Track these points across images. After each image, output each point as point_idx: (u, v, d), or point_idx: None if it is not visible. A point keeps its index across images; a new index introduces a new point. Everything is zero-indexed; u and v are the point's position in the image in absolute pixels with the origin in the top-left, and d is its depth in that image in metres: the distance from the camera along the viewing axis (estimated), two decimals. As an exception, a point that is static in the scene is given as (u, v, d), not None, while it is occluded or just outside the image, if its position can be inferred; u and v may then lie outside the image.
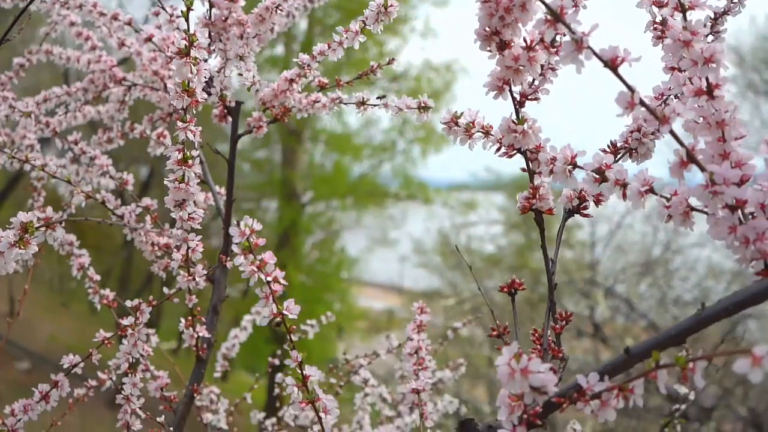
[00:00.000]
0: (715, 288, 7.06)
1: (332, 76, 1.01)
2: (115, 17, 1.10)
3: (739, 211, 0.53)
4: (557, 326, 0.65)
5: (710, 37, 0.73)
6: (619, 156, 0.69)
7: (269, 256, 0.63)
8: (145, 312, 0.90)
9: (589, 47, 0.50)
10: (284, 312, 0.64)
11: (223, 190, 1.11)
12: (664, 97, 0.69)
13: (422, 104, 0.85)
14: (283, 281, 0.63)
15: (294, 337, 0.67)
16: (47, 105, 1.23)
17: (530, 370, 0.50)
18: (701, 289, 7.11)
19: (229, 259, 0.96)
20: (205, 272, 0.91)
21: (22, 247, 0.68)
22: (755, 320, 6.48)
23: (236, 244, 0.62)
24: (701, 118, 0.55)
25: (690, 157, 0.52)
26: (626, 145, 0.69)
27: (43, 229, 0.66)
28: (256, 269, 0.62)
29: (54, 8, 1.19)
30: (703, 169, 0.51)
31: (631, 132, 0.69)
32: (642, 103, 0.51)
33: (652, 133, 0.67)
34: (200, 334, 0.98)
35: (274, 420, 1.34)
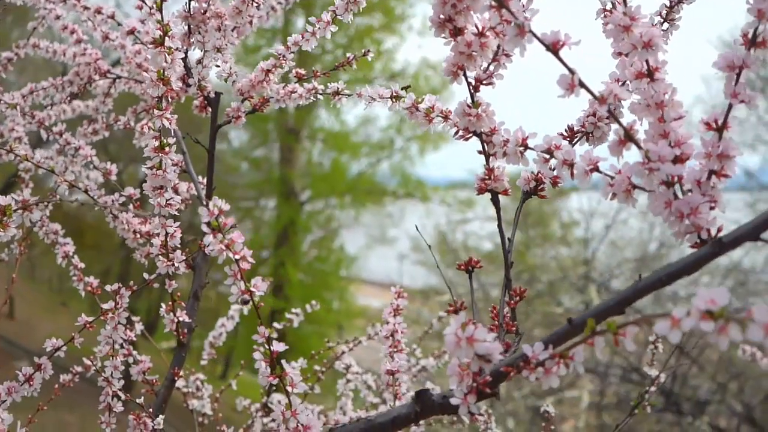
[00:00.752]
0: (710, 283, 7.11)
1: (332, 76, 1.04)
2: (98, 11, 1.13)
3: (678, 187, 0.55)
4: (512, 302, 0.68)
5: (665, 25, 0.76)
6: (576, 140, 0.72)
7: (237, 236, 0.66)
8: (125, 296, 0.93)
9: (530, 32, 0.53)
10: (252, 289, 0.66)
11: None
12: (620, 83, 0.72)
13: (394, 94, 0.87)
14: (250, 259, 0.66)
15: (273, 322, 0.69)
16: (34, 97, 1.26)
17: (476, 339, 0.53)
18: (697, 285, 7.14)
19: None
20: (184, 258, 0.94)
21: (1, 229, 0.70)
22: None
23: (205, 223, 0.64)
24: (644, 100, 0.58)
25: (628, 136, 0.54)
26: (582, 129, 0.71)
27: (20, 211, 0.69)
28: (224, 248, 0.65)
29: (40, 2, 1.22)
30: (640, 147, 0.54)
31: (587, 116, 0.71)
32: (581, 84, 0.53)
33: (607, 118, 0.69)
34: (180, 319, 1.00)
35: (258, 405, 1.37)
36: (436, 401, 0.60)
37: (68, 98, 1.23)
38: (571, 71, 0.54)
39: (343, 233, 12.45)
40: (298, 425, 0.67)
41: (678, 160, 0.56)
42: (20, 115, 1.17)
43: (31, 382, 0.93)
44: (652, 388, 1.11)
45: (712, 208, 0.55)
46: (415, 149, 12.08)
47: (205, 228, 0.65)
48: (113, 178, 1.12)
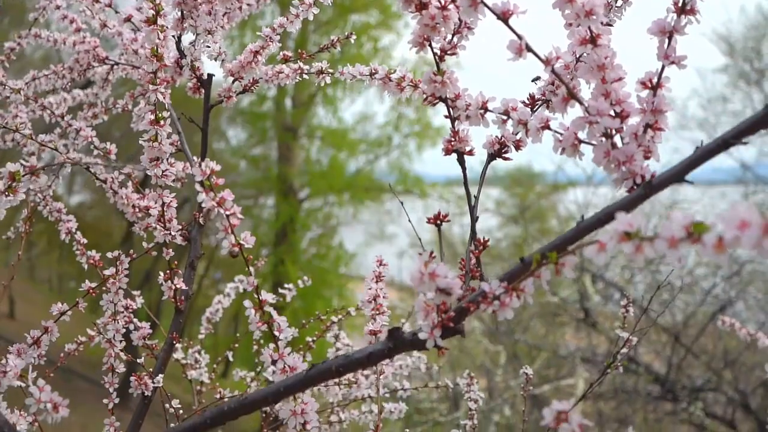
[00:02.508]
0: (705, 274, 7.18)
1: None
2: (96, 0, 1.20)
3: (618, 139, 0.62)
4: (476, 251, 0.74)
5: (620, 2, 0.83)
6: (537, 106, 0.79)
7: (228, 194, 0.72)
8: (125, 262, 0.99)
9: (482, 2, 0.60)
10: (241, 242, 0.73)
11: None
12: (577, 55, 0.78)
13: (372, 71, 0.94)
14: (240, 216, 0.73)
15: (252, 268, 0.76)
16: (36, 84, 1.32)
17: (437, 274, 0.60)
18: (692, 275, 7.22)
19: (202, 215, 1.05)
20: (180, 227, 1.01)
21: (10, 193, 0.77)
22: (742, 302, 6.59)
23: (198, 182, 0.71)
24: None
25: (570, 94, 0.61)
26: (543, 97, 0.78)
27: (28, 176, 0.75)
28: (216, 204, 0.72)
29: (40, -6, 1.28)
30: (581, 104, 0.61)
31: (547, 85, 0.78)
32: (528, 48, 0.60)
33: (553, 83, 0.76)
34: (178, 287, 1.07)
35: (252, 374, 1.44)
36: (406, 338, 0.67)
37: (69, 85, 1.30)
38: (520, 37, 0.60)
39: (342, 230, 12.51)
40: (285, 366, 0.73)
41: (619, 116, 0.62)
42: (24, 99, 1.23)
43: (39, 345, 1.00)
44: (624, 350, 1.18)
45: (647, 158, 0.61)
46: (413, 146, 12.15)
47: (198, 186, 0.71)
48: (113, 156, 1.19)
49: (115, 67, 1.30)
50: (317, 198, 12.47)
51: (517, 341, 6.36)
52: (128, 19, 1.14)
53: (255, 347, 1.34)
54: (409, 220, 1.01)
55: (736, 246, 0.40)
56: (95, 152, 1.22)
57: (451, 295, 0.60)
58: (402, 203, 1.07)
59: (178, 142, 1.14)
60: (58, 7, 1.29)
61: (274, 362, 0.74)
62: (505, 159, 0.78)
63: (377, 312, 1.03)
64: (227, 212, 0.72)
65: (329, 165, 12.21)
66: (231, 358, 1.49)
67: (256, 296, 0.75)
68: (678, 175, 0.57)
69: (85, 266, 1.18)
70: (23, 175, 0.75)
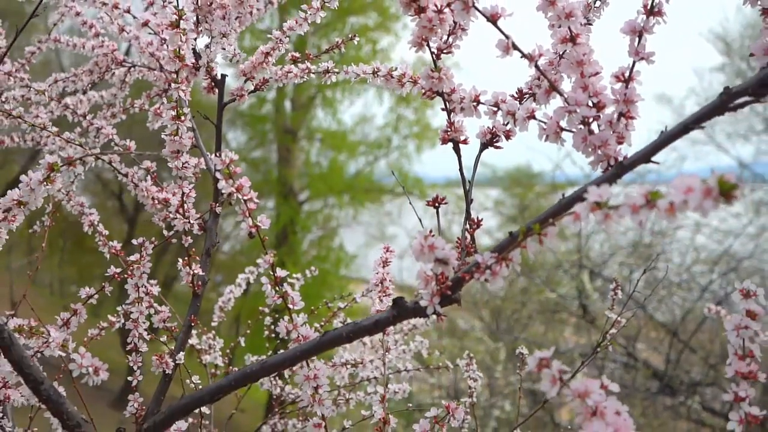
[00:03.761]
0: (702, 271, 7.26)
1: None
2: (115, 6, 1.28)
3: (595, 126, 0.70)
4: (471, 229, 0.82)
5: (598, 2, 0.91)
6: (524, 99, 0.87)
7: (245, 181, 0.81)
8: (149, 248, 1.07)
9: (474, 6, 0.68)
10: (258, 224, 0.81)
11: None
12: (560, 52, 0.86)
13: (375, 70, 1.02)
14: (256, 200, 0.81)
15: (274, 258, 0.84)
16: (57, 86, 1.41)
17: (435, 246, 0.68)
18: (689, 272, 7.31)
19: (219, 205, 1.13)
20: (198, 216, 1.09)
21: (48, 183, 0.85)
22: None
23: (218, 170, 0.79)
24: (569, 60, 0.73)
25: (552, 86, 0.69)
26: (530, 91, 0.86)
27: (65, 167, 0.83)
28: (235, 190, 0.80)
29: (61, 1, 1.37)
30: (561, 95, 0.69)
31: (533, 80, 0.86)
32: (515, 47, 0.68)
33: (538, 78, 0.84)
34: (195, 272, 1.15)
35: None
36: (409, 306, 0.75)
37: (89, 86, 1.38)
38: (507, 37, 0.68)
39: (342, 232, 12.58)
40: (299, 336, 0.81)
41: (596, 106, 0.70)
42: (48, 101, 1.31)
43: (68, 326, 1.08)
44: (612, 330, 1.25)
45: (620, 143, 0.70)
46: (412, 147, 12.24)
47: (218, 175, 0.80)
48: (132, 154, 1.27)
49: (132, 69, 1.38)
50: (317, 200, 12.54)
51: (516, 338, 6.44)
52: (146, 24, 1.22)
53: (266, 332, 1.42)
54: (416, 213, 1.08)
55: (684, 209, 0.48)
56: (115, 149, 1.30)
57: (448, 265, 0.68)
58: (410, 200, 1.15)
59: (194, 138, 1.22)
60: (78, 14, 1.37)
61: (288, 332, 0.82)
62: (497, 148, 0.86)
63: (384, 294, 1.12)
64: (245, 197, 0.80)
65: (329, 167, 12.28)
66: (243, 343, 1.57)
67: (272, 273, 0.83)
68: (645, 156, 0.65)
69: (108, 256, 1.26)
70: (61, 166, 0.83)
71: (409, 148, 12.30)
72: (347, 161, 12.44)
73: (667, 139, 0.63)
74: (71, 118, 1.33)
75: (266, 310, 1.63)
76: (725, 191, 0.45)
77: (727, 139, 8.74)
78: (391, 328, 1.59)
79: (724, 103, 0.62)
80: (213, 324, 1.60)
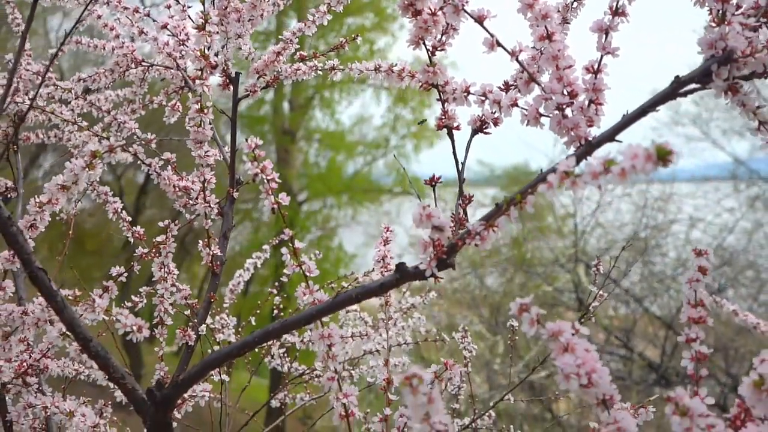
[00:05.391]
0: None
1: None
2: (136, 10, 1.39)
3: (569, 111, 0.82)
4: (463, 204, 0.94)
5: (575, 3, 1.02)
6: (510, 90, 0.98)
7: (268, 163, 0.92)
8: (174, 230, 1.19)
9: (463, 9, 0.79)
10: (279, 200, 0.92)
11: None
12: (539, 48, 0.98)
13: (377, 66, 1.13)
14: (278, 180, 0.92)
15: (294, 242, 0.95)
16: (80, 84, 1.52)
17: (432, 215, 0.79)
18: (685, 266, 7.44)
19: (236, 191, 1.25)
20: (218, 201, 1.20)
21: (90, 169, 0.96)
22: (732, 291, 6.80)
23: (245, 154, 0.90)
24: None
25: (531, 78, 0.81)
26: (514, 83, 0.97)
27: (107, 153, 0.94)
28: (259, 171, 0.91)
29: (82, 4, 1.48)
30: (539, 85, 0.80)
31: (517, 73, 0.97)
32: (498, 44, 0.80)
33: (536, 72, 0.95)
34: (215, 253, 1.26)
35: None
36: (410, 270, 0.86)
37: (110, 84, 1.49)
38: (492, 35, 0.80)
39: (342, 232, 12.69)
40: (314, 300, 0.93)
41: (569, 94, 0.82)
42: (74, 97, 1.42)
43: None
44: (595, 303, 1.37)
45: (590, 126, 0.81)
46: (410, 147, 12.36)
47: (245, 157, 0.91)
48: (153, 145, 1.38)
49: (150, 68, 1.49)
50: (316, 200, 12.63)
51: (514, 331, 6.56)
52: (165, 27, 1.33)
53: (275, 311, 1.53)
54: (421, 203, 1.19)
55: (632, 172, 0.59)
56: (137, 142, 1.41)
57: (443, 231, 0.80)
58: (418, 195, 1.25)
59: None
60: (99, 17, 1.48)
61: (305, 296, 0.93)
62: (486, 133, 0.97)
63: (386, 270, 1.23)
64: (268, 177, 0.91)
65: (327, 167, 12.39)
66: (254, 322, 1.68)
67: (291, 245, 0.94)
68: (610, 136, 0.76)
69: (132, 240, 1.37)
70: (103, 153, 0.94)
71: (407, 148, 12.42)
72: (345, 161, 12.56)
73: (627, 121, 0.75)
74: (96, 114, 1.44)
75: (274, 291, 1.74)
76: (662, 156, 0.56)
77: (723, 135, 8.87)
78: (392, 307, 1.71)
79: (674, 90, 0.73)
80: (225, 305, 1.71)
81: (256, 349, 1.64)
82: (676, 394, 0.60)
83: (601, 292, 1.39)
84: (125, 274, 1.19)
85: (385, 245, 1.25)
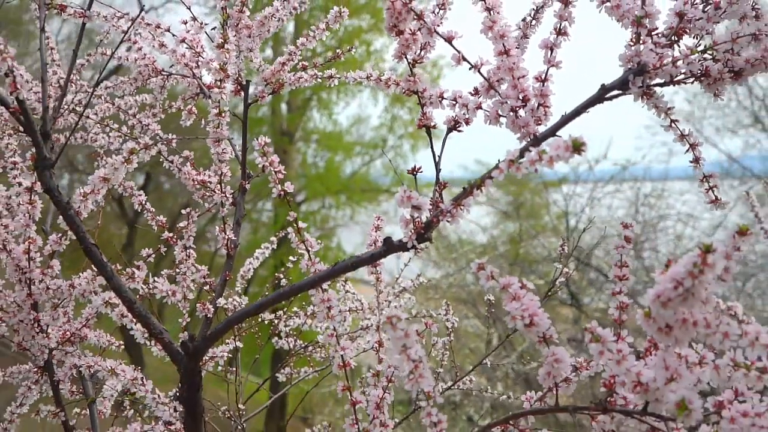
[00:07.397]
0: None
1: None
2: (158, 26, 1.58)
3: (522, 112, 1.01)
4: (439, 188, 1.13)
5: (533, 22, 1.22)
6: (478, 95, 1.17)
7: (276, 157, 1.11)
8: (194, 216, 1.38)
9: (435, 31, 0.98)
10: (285, 189, 1.12)
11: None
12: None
13: (369, 74, 1.32)
14: (284, 171, 1.11)
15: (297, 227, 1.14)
16: (107, 91, 1.71)
17: (412, 197, 0.98)
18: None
19: (247, 183, 1.44)
20: (233, 191, 1.39)
21: (127, 164, 1.16)
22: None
23: (256, 150, 1.10)
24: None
25: (490, 86, 1.00)
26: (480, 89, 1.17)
27: (143, 150, 1.14)
28: (268, 164, 1.10)
29: (106, 19, 1.67)
30: (497, 92, 1.00)
31: (482, 82, 1.17)
32: (464, 58, 0.99)
33: (497, 81, 1.15)
34: (230, 237, 1.45)
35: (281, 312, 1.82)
36: (396, 243, 1.05)
37: (134, 91, 1.68)
38: (458, 51, 0.99)
39: (340, 232, 12.86)
40: (315, 269, 1.12)
41: (522, 99, 1.01)
42: (103, 102, 1.62)
43: (133, 279, 1.38)
44: (561, 279, 1.56)
45: (539, 124, 1.00)
46: (408, 147, 12.55)
47: (256, 152, 1.10)
48: (173, 145, 1.57)
49: (169, 77, 1.68)
50: (314, 201, 12.80)
51: (508, 325, 6.75)
52: (183, 41, 1.52)
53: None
54: (403, 187, 1.38)
55: (557, 159, 0.79)
56: (160, 141, 1.60)
57: (421, 210, 0.99)
58: (419, 191, 1.45)
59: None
60: (124, 32, 1.67)
61: (308, 268, 1.13)
62: (458, 131, 1.16)
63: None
64: (275, 169, 1.11)
65: (325, 168, 12.55)
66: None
67: (296, 225, 1.13)
68: (551, 132, 0.95)
69: (155, 228, 1.56)
70: (139, 150, 1.13)
71: (404, 148, 12.60)
72: (343, 162, 12.73)
73: (563, 122, 0.94)
74: (123, 117, 1.64)
75: (280, 276, 1.94)
76: (576, 147, 0.76)
77: (716, 133, 9.06)
78: (384, 290, 1.91)
79: (601, 95, 0.93)
80: (237, 289, 1.90)
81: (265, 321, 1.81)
82: (590, 326, 0.79)
83: (566, 269, 1.58)
84: (152, 256, 1.38)
85: (376, 232, 1.44)
